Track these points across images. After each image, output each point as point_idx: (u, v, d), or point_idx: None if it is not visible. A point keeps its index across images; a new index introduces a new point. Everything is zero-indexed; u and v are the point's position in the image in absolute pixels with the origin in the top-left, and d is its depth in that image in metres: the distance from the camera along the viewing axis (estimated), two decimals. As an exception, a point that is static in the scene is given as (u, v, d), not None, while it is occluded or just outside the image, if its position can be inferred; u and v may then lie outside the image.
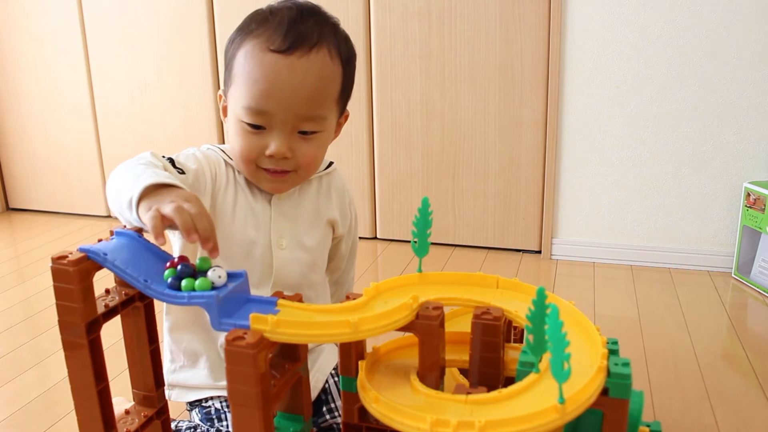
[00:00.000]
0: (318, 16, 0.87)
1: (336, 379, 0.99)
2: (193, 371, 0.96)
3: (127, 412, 0.79)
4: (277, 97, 0.83)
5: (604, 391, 0.60)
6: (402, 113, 1.83)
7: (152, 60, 2.02)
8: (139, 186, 0.72)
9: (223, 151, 0.96)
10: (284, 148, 0.86)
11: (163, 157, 0.88)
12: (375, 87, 1.84)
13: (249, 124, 0.85)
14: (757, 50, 1.54)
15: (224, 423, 0.94)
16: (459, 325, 0.82)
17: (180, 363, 0.96)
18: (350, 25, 1.80)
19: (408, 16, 1.76)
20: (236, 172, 0.94)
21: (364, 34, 1.81)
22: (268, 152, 0.86)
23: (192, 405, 0.98)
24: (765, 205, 1.52)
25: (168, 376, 0.96)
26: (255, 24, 0.86)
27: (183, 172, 0.87)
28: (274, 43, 0.82)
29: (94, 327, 0.71)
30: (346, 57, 0.88)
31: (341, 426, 0.72)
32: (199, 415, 0.96)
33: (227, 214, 0.91)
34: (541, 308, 0.58)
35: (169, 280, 0.67)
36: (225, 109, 0.91)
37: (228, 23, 1.91)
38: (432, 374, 0.67)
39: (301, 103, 0.84)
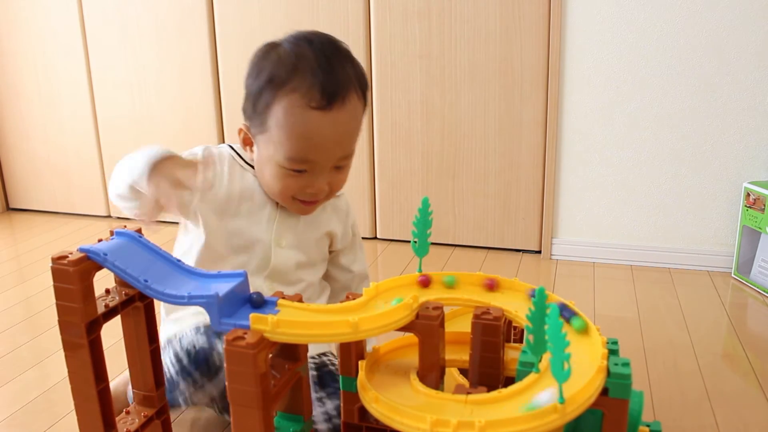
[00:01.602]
0: (339, 53, 0.90)
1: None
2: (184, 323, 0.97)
3: (127, 412, 0.80)
4: (320, 148, 0.89)
5: (604, 391, 0.61)
6: (402, 113, 1.83)
7: (152, 60, 2.02)
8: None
9: (234, 150, 1.00)
10: (325, 186, 0.93)
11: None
12: (375, 87, 1.84)
13: (291, 170, 0.90)
14: (757, 50, 1.54)
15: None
16: (459, 325, 0.82)
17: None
18: (350, 25, 1.80)
19: (408, 16, 1.76)
20: (244, 164, 0.98)
21: (364, 34, 1.81)
22: (309, 191, 0.93)
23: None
24: (765, 205, 1.52)
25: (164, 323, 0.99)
26: (285, 73, 0.87)
27: None
28: (313, 100, 0.86)
29: (94, 327, 0.71)
30: (365, 88, 0.92)
31: (341, 426, 0.73)
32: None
33: (232, 208, 0.96)
34: (541, 308, 0.58)
35: None
36: (248, 140, 0.95)
37: (228, 23, 1.91)
38: (432, 374, 0.67)
39: (341, 148, 0.91)
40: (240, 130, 0.95)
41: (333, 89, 0.86)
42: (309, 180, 0.92)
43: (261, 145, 0.92)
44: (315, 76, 0.86)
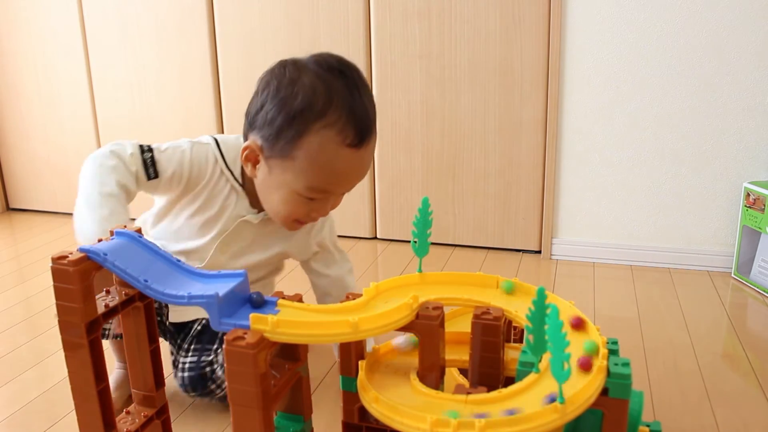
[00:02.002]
0: (364, 85, 0.92)
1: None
2: None
3: (127, 412, 0.80)
4: (344, 181, 0.93)
5: (604, 391, 0.61)
6: (402, 113, 1.83)
7: (152, 60, 2.02)
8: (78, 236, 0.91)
9: (219, 148, 1.00)
10: (329, 209, 0.97)
11: (145, 151, 0.96)
12: (375, 87, 1.83)
13: (306, 197, 0.93)
14: (757, 50, 1.54)
15: None
16: (459, 325, 0.82)
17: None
18: (350, 25, 1.80)
19: (408, 16, 1.76)
20: (229, 176, 1.00)
21: (364, 34, 1.81)
22: (315, 215, 0.96)
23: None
24: (765, 205, 1.52)
25: None
26: (320, 106, 0.87)
27: (156, 175, 0.96)
28: (348, 138, 0.88)
29: (94, 327, 0.71)
30: (376, 114, 0.95)
31: (341, 425, 0.73)
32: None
33: (195, 205, 1.00)
34: (541, 308, 0.58)
35: None
36: (254, 159, 0.94)
37: (228, 23, 1.91)
38: (432, 374, 0.67)
39: (360, 179, 0.95)
40: (248, 147, 0.93)
41: (366, 127, 0.89)
42: (319, 205, 0.95)
43: (276, 170, 0.92)
44: (350, 112, 0.88)
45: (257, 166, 0.94)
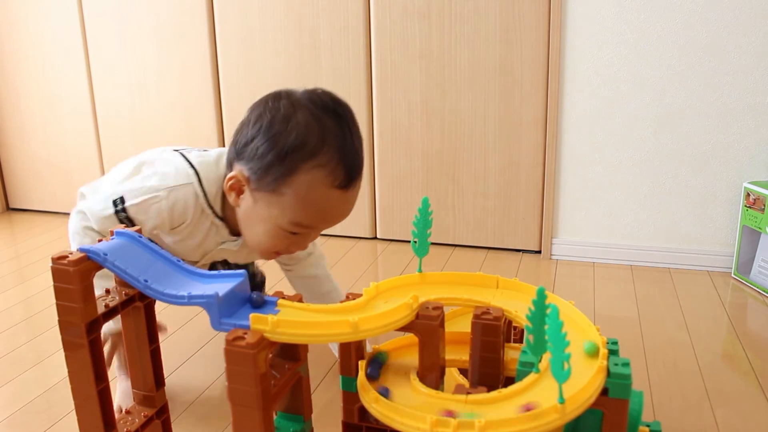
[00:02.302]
0: (354, 125, 0.94)
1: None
2: None
3: (127, 412, 0.80)
4: (330, 220, 0.95)
5: (604, 391, 0.61)
6: (402, 113, 1.83)
7: (152, 60, 2.02)
8: None
9: (201, 185, 0.98)
10: (309, 243, 1.00)
11: (119, 211, 0.95)
12: (375, 87, 1.84)
13: (289, 232, 0.93)
14: (757, 50, 1.54)
15: None
16: (459, 325, 0.82)
17: None
18: (350, 25, 1.80)
19: (408, 16, 1.76)
20: (207, 208, 0.99)
21: (364, 34, 1.81)
22: (294, 248, 0.98)
23: None
24: (765, 205, 1.52)
25: None
26: (312, 146, 0.88)
27: (130, 220, 0.96)
28: (337, 180, 0.90)
29: (94, 327, 0.71)
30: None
31: (341, 425, 0.73)
32: None
33: (175, 238, 1.00)
34: (541, 308, 0.58)
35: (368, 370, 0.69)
36: (239, 189, 0.94)
37: (228, 23, 1.91)
38: (432, 374, 0.67)
39: (345, 218, 0.96)
40: (234, 177, 0.92)
41: (355, 170, 0.92)
42: (300, 239, 0.96)
43: (261, 203, 0.92)
44: (342, 154, 0.90)
45: (241, 196, 0.94)
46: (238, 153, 0.92)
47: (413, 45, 1.77)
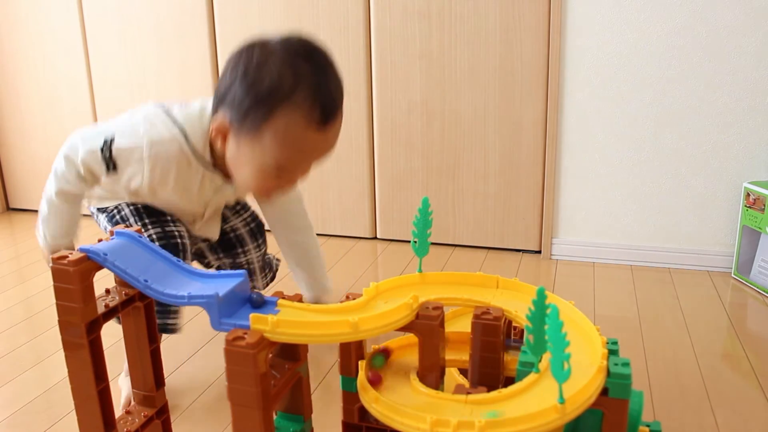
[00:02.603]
0: (330, 65, 0.95)
1: (251, 226, 1.27)
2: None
3: (127, 412, 0.80)
4: (310, 158, 0.97)
5: (604, 391, 0.61)
6: (402, 113, 1.83)
7: (152, 60, 2.02)
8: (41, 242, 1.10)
9: (188, 140, 1.03)
10: (298, 180, 1.01)
11: (104, 148, 1.01)
12: (375, 87, 1.84)
13: (275, 172, 0.96)
14: (757, 50, 1.54)
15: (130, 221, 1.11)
16: (459, 325, 0.82)
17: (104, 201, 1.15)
18: (350, 25, 1.80)
19: (408, 16, 1.76)
20: (194, 161, 1.04)
21: (364, 34, 1.81)
22: (286, 187, 1.02)
23: (100, 210, 1.16)
24: (765, 205, 1.52)
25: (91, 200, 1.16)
26: (286, 89, 0.90)
27: (116, 167, 1.02)
28: (313, 121, 0.92)
29: (94, 327, 0.71)
30: (343, 98, 0.97)
31: (341, 425, 0.73)
32: (105, 218, 1.14)
33: (167, 184, 1.04)
34: (541, 308, 0.58)
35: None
36: (224, 132, 0.97)
37: (228, 23, 1.91)
38: (432, 374, 0.67)
39: (326, 155, 0.98)
40: (217, 121, 0.96)
41: (330, 110, 0.93)
42: (288, 178, 0.99)
43: (244, 145, 0.95)
44: (315, 95, 0.91)
45: (227, 142, 0.97)
46: (219, 101, 0.96)
47: (413, 45, 1.77)
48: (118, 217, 1.11)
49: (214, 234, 1.22)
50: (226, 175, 1.06)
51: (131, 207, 1.11)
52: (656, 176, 1.68)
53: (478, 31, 1.71)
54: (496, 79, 1.73)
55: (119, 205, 1.12)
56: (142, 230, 1.06)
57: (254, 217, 1.28)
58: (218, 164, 1.05)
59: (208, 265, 1.30)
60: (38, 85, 2.16)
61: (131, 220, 1.10)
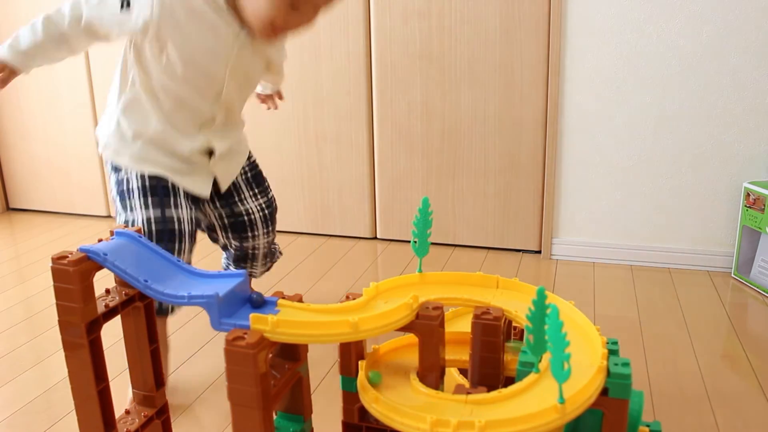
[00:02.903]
0: None
1: (247, 175, 1.25)
2: (129, 146, 1.11)
3: (127, 412, 0.80)
4: None
5: (604, 391, 0.61)
6: (402, 113, 1.83)
7: (152, 60, 2.02)
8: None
9: None
10: (306, 23, 1.02)
11: None
12: (375, 87, 1.84)
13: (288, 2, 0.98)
14: (757, 50, 1.54)
15: (129, 202, 1.09)
16: (459, 325, 0.82)
17: (126, 136, 1.12)
18: (350, 25, 1.80)
19: (408, 16, 1.76)
20: (203, 4, 1.02)
21: (364, 34, 1.81)
22: (293, 26, 1.02)
23: (113, 169, 1.13)
24: (765, 205, 1.52)
25: (106, 136, 1.16)
26: None
27: (129, 3, 1.00)
28: None
29: (94, 327, 0.71)
30: None
31: (341, 425, 0.73)
32: (115, 183, 1.12)
33: (178, 21, 1.01)
34: (541, 308, 0.58)
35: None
36: None
37: (228, 23, 1.91)
38: (432, 374, 0.67)
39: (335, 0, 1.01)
40: None
41: None
42: (298, 16, 1.00)
43: None
44: None
45: None
46: None
47: (413, 45, 1.77)
48: (125, 187, 1.09)
49: (230, 171, 1.20)
50: (242, 26, 1.05)
51: (139, 180, 1.08)
52: (656, 176, 1.68)
53: (478, 32, 1.71)
54: (496, 79, 1.73)
55: (129, 174, 1.09)
56: (143, 209, 1.05)
57: (270, 203, 1.29)
58: (230, 7, 1.04)
59: (215, 241, 1.30)
60: (38, 85, 2.16)
61: (136, 193, 1.08)
